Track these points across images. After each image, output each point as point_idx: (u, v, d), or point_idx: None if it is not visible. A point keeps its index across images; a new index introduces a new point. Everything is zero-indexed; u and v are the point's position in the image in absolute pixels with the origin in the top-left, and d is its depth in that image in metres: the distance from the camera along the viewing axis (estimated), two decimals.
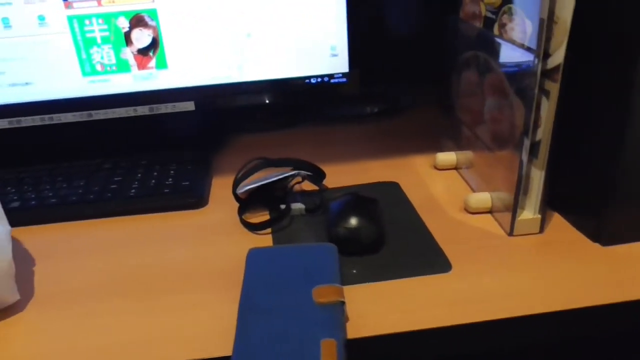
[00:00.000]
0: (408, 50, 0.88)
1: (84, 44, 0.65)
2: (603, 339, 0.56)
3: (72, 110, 0.68)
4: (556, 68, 0.46)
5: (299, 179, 0.61)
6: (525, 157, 0.49)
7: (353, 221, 0.51)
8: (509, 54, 0.50)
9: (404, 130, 0.80)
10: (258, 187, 0.59)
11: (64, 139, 0.77)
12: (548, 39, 0.45)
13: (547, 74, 0.47)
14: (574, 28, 0.44)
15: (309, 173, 0.60)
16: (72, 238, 0.57)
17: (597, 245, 0.52)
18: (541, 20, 0.44)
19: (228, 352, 0.40)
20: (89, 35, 0.65)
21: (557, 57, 0.46)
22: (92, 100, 0.68)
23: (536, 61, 0.46)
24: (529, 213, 0.53)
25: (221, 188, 0.66)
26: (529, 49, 0.47)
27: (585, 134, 0.50)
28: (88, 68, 0.66)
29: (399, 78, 0.89)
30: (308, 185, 0.64)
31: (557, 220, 0.56)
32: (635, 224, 0.51)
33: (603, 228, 0.51)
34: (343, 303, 0.43)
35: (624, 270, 0.48)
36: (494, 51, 0.53)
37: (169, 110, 0.70)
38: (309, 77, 0.71)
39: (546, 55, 0.46)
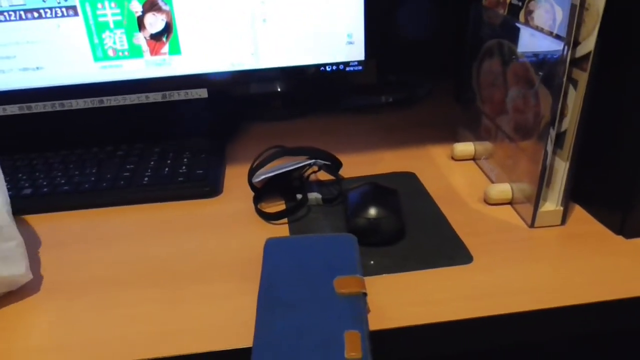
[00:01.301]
0: (425, 39, 0.86)
1: (96, 29, 0.64)
2: (626, 333, 0.56)
3: (83, 96, 0.67)
4: (585, 56, 0.45)
5: (315, 168, 0.60)
6: (550, 148, 0.48)
7: (373, 212, 0.50)
8: (535, 42, 0.49)
9: (419, 120, 0.79)
10: (274, 176, 0.58)
11: (76, 126, 0.76)
12: (578, 26, 0.44)
13: (575, 62, 0.46)
14: (612, 16, 0.43)
15: (326, 162, 0.59)
16: (85, 226, 0.57)
17: (620, 237, 0.51)
18: (573, 7, 0.43)
19: (248, 343, 0.39)
20: (101, 19, 0.63)
21: (587, 45, 0.44)
22: (104, 86, 0.67)
23: (566, 49, 0.44)
24: (551, 205, 0.52)
25: (235, 177, 0.65)
26: (557, 37, 0.46)
27: (616, 125, 0.49)
28: (100, 53, 0.65)
29: (416, 67, 0.88)
30: (324, 175, 0.63)
31: (578, 212, 0.55)
32: None
33: (629, 220, 0.49)
34: (365, 294, 0.42)
35: None
36: (520, 39, 0.52)
37: (182, 98, 0.69)
38: (324, 65, 0.69)
39: (575, 43, 0.45)
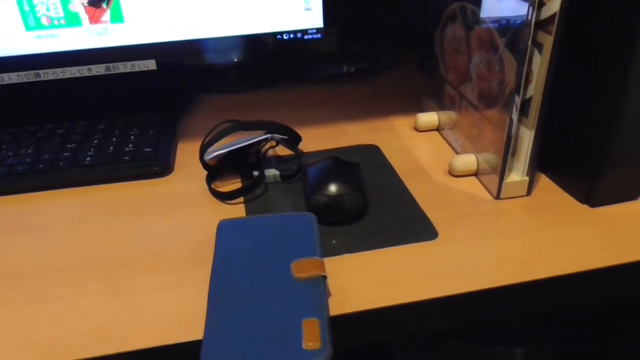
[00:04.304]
0: (390, 4, 0.82)
1: None
2: (594, 304, 0.55)
3: (16, 70, 0.62)
4: (551, 18, 0.42)
5: (273, 143, 0.57)
6: (515, 116, 0.46)
7: (334, 188, 0.47)
8: (499, 4, 0.46)
9: (382, 90, 0.76)
10: (228, 152, 0.55)
11: (9, 102, 0.69)
12: None
13: (540, 25, 0.43)
14: None
15: (283, 136, 0.56)
16: (18, 213, 0.52)
17: (585, 206, 0.50)
18: None
19: (199, 335, 0.36)
20: None
21: (552, 6, 0.42)
22: (39, 58, 0.61)
23: (530, 11, 0.42)
24: (517, 175, 0.50)
25: (187, 154, 0.61)
26: None
27: (581, 91, 0.47)
28: (32, 21, 0.59)
29: (380, 35, 0.84)
30: (282, 150, 0.60)
31: (544, 181, 0.53)
32: (626, 184, 0.49)
33: (595, 190, 0.48)
34: (325, 277, 0.39)
35: (615, 231, 0.46)
36: (483, 1, 0.49)
37: (128, 70, 0.64)
38: (281, 33, 0.65)
39: (540, 4, 0.42)
